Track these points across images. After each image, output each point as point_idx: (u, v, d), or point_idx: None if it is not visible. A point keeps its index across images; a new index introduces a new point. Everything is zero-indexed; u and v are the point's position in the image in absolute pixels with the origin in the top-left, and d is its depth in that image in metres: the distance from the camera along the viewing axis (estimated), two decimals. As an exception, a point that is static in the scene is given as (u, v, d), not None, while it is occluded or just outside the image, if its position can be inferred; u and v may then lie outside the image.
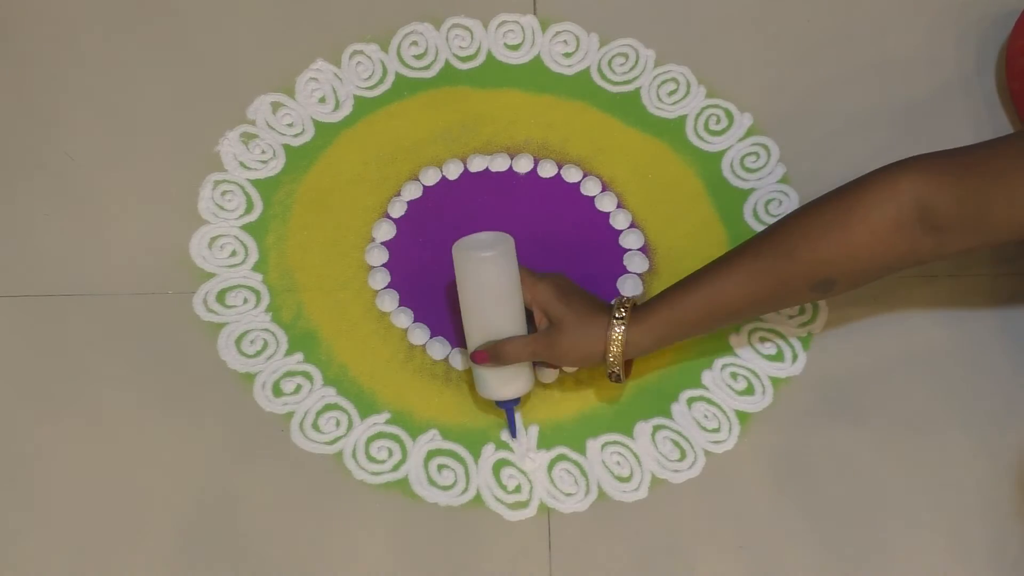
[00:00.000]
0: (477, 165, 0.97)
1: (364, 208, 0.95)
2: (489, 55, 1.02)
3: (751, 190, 0.96)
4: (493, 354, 0.80)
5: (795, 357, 0.90)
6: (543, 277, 0.82)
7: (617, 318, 0.79)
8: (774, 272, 0.78)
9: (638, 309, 0.81)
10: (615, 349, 0.79)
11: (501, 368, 0.81)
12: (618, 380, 0.81)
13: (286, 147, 0.98)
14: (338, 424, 0.87)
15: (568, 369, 0.86)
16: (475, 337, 0.82)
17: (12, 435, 0.86)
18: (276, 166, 0.97)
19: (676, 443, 0.86)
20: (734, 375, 0.89)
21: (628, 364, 0.83)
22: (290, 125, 0.98)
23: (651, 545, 0.83)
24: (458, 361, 0.89)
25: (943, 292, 0.92)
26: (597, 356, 0.80)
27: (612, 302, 0.81)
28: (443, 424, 0.87)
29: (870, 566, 0.82)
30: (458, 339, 0.90)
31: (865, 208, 0.75)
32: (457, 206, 0.95)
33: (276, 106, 0.99)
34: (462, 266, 0.80)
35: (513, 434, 0.86)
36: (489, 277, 0.80)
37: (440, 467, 0.85)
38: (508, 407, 0.84)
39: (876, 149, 0.97)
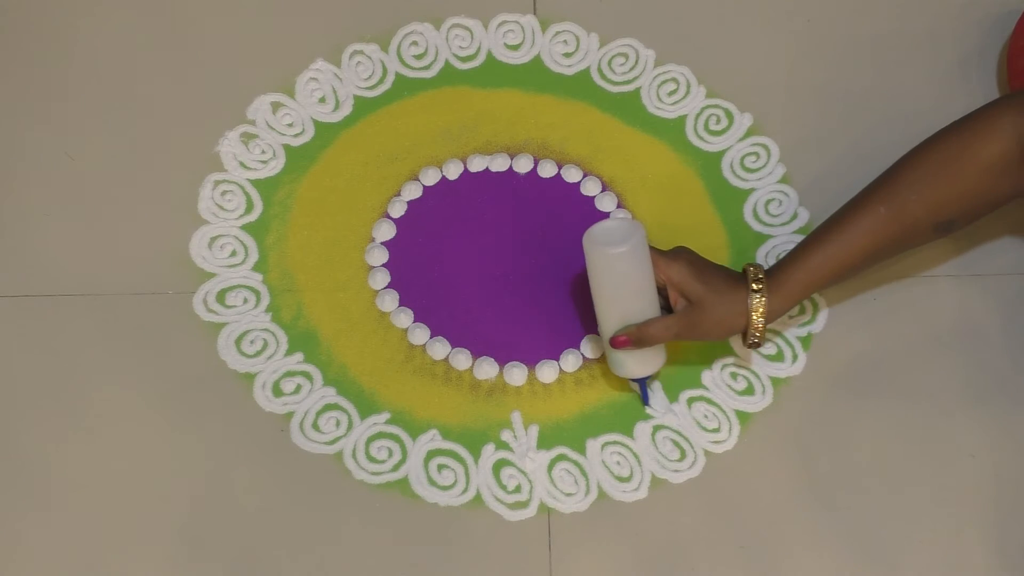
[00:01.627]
0: (477, 165, 0.97)
1: (364, 208, 0.95)
2: (489, 55, 1.02)
3: (751, 190, 0.96)
4: (636, 338, 0.81)
5: (795, 357, 0.90)
6: (675, 257, 0.82)
7: (755, 290, 0.81)
8: (897, 220, 0.80)
9: (770, 276, 0.82)
10: (758, 321, 0.81)
11: (638, 352, 0.82)
12: (758, 346, 0.83)
13: (286, 147, 0.98)
14: (338, 424, 0.87)
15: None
16: (611, 324, 0.82)
17: (12, 435, 0.86)
18: (276, 166, 0.97)
19: (676, 443, 0.86)
20: (734, 375, 0.89)
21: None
22: (290, 125, 0.98)
23: (651, 545, 0.83)
24: (459, 361, 0.89)
25: (944, 292, 0.92)
26: (739, 329, 0.82)
27: (743, 271, 0.82)
28: (443, 424, 0.87)
29: (870, 565, 0.82)
30: (458, 339, 0.90)
31: (973, 149, 0.78)
32: (457, 206, 0.95)
33: (276, 106, 0.99)
34: (596, 262, 0.80)
35: (646, 402, 0.87)
36: (624, 270, 0.80)
37: (440, 467, 0.85)
38: (642, 382, 0.85)
39: (877, 149, 0.97)
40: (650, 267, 0.80)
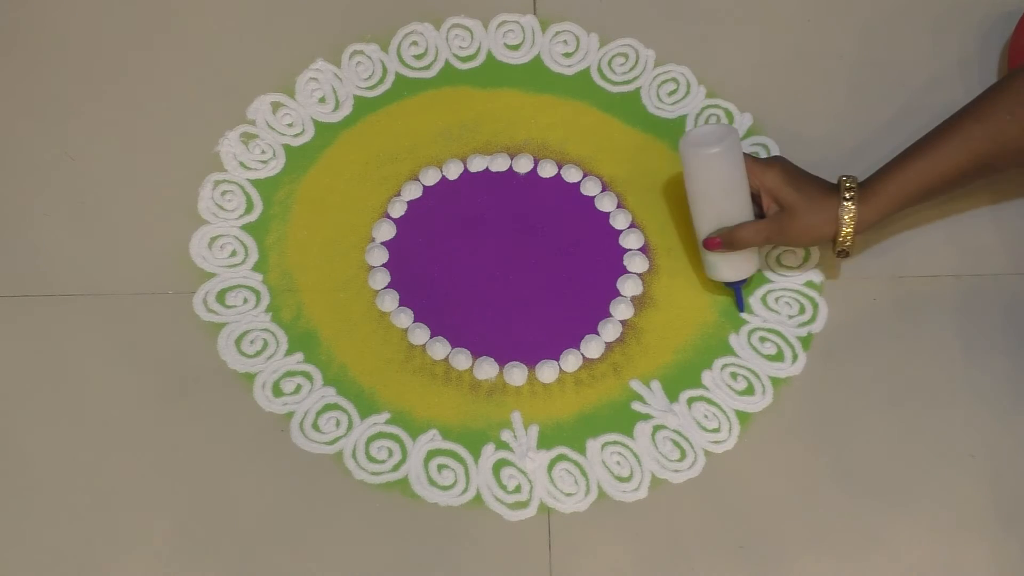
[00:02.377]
0: (477, 165, 0.97)
1: (364, 208, 0.95)
2: (489, 55, 1.02)
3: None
4: (727, 240, 0.84)
5: (795, 357, 0.90)
6: (769, 164, 0.85)
7: (846, 199, 0.82)
8: (992, 138, 0.81)
9: (863, 187, 0.83)
10: (847, 230, 0.83)
11: (732, 255, 0.86)
12: (847, 256, 0.85)
13: (286, 147, 0.98)
14: (338, 424, 0.87)
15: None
16: (705, 226, 0.86)
17: (12, 435, 0.86)
18: (276, 166, 0.97)
19: (676, 443, 0.86)
20: (734, 375, 0.89)
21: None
22: (290, 125, 0.98)
23: (651, 545, 0.83)
24: (459, 361, 0.89)
25: (945, 291, 0.92)
26: (828, 236, 0.84)
27: (837, 182, 0.84)
28: (443, 424, 0.87)
29: (870, 565, 0.82)
30: (458, 339, 0.90)
31: None
32: (457, 206, 0.95)
33: (276, 106, 0.99)
34: (691, 162, 0.84)
35: (741, 308, 0.90)
36: (718, 171, 0.83)
37: (440, 467, 0.85)
38: (736, 287, 0.89)
39: (877, 149, 0.97)
40: (743, 170, 0.84)
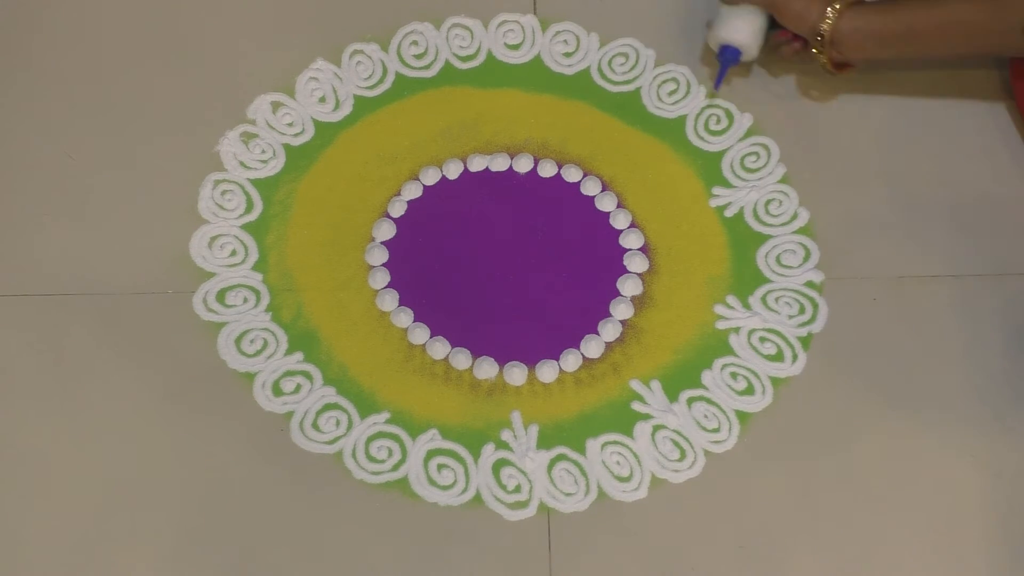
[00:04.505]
0: (477, 165, 0.97)
1: (364, 208, 0.95)
2: (489, 55, 1.02)
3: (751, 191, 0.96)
4: None
5: (795, 357, 0.90)
6: None
7: (834, 5, 0.89)
8: (991, 1, 0.83)
9: (859, 5, 0.89)
10: (828, 21, 0.89)
11: (734, 15, 0.93)
12: (820, 54, 0.91)
13: (286, 147, 0.98)
14: (338, 424, 0.87)
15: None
16: None
17: (12, 434, 0.86)
18: (276, 166, 0.97)
19: (676, 443, 0.86)
20: (734, 375, 0.89)
21: (844, 66, 0.93)
22: (290, 125, 0.98)
23: (651, 545, 0.83)
24: (459, 361, 0.89)
25: (944, 291, 0.92)
26: (808, 21, 0.90)
27: None
28: (443, 424, 0.87)
29: (870, 565, 0.82)
30: (458, 338, 0.90)
31: None
32: (457, 206, 0.95)
33: (276, 106, 0.99)
34: None
35: (716, 86, 0.97)
36: None
37: (440, 467, 0.85)
38: (725, 59, 0.96)
39: (877, 149, 0.97)
40: None
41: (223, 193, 0.95)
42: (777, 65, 1.01)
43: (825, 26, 0.89)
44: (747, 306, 0.91)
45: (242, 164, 0.97)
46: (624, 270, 0.93)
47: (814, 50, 0.91)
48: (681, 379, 0.89)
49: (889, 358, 0.89)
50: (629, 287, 0.92)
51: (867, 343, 0.90)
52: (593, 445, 0.86)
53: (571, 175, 0.97)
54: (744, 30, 0.94)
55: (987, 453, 0.86)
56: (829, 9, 0.89)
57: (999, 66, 1.00)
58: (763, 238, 0.94)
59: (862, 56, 0.92)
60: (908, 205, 0.95)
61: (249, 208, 0.95)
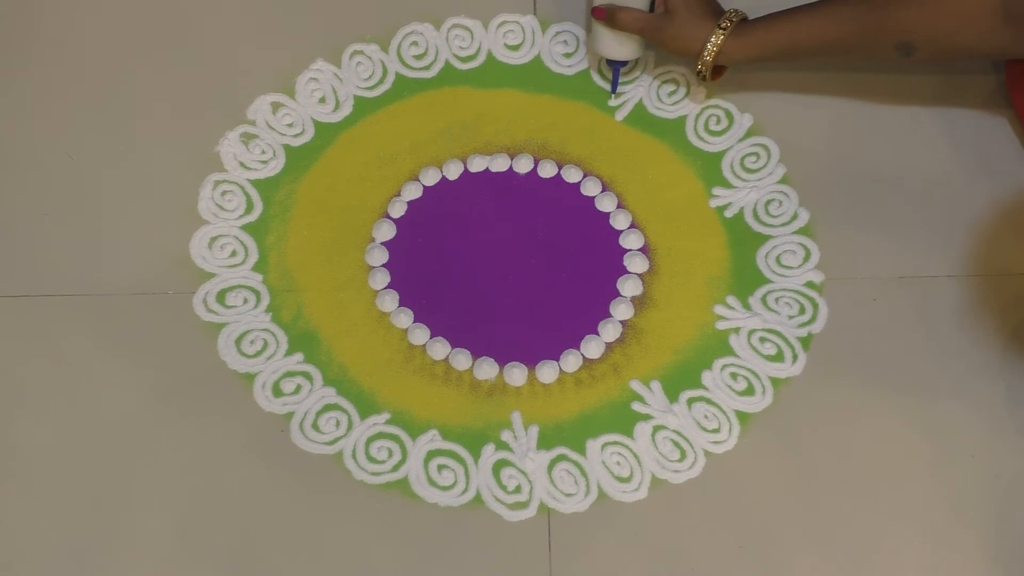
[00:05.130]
0: (477, 165, 0.97)
1: (364, 208, 0.95)
2: (489, 55, 1.02)
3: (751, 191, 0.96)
4: (609, 15, 0.92)
5: (795, 357, 0.90)
6: None
7: (721, 28, 0.89)
8: (861, 20, 0.85)
9: (743, 24, 0.90)
10: (708, 56, 0.90)
11: (616, 32, 0.93)
12: (704, 79, 0.92)
13: (286, 147, 0.98)
14: (338, 424, 0.87)
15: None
16: None
17: (11, 435, 0.86)
18: (276, 166, 0.97)
19: (676, 443, 0.86)
20: (734, 375, 0.89)
21: (719, 70, 0.94)
22: (290, 125, 0.98)
23: (651, 545, 0.83)
24: (459, 361, 0.89)
25: (944, 291, 0.92)
26: (693, 52, 0.91)
27: (726, 11, 0.90)
28: (443, 424, 0.87)
29: (870, 565, 0.82)
30: (458, 339, 0.90)
31: None
32: (457, 206, 0.96)
33: (276, 106, 0.99)
34: None
35: (613, 90, 0.99)
36: None
37: (440, 467, 0.85)
38: (616, 67, 0.97)
39: (877, 149, 0.97)
40: None
41: (223, 194, 0.95)
42: (777, 65, 1.01)
43: (705, 62, 0.91)
44: (747, 306, 0.91)
45: (242, 165, 0.97)
46: (624, 270, 0.93)
47: (699, 70, 0.92)
48: (681, 379, 0.89)
49: (889, 358, 0.89)
50: (629, 287, 0.92)
51: (867, 343, 0.90)
52: (593, 446, 0.86)
53: (571, 175, 0.97)
54: (627, 49, 0.94)
55: (987, 454, 0.86)
56: (714, 37, 0.89)
57: (997, 70, 1.00)
58: (763, 238, 0.94)
59: (741, 65, 0.94)
60: (908, 205, 0.95)
61: (249, 209, 0.95)
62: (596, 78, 1.01)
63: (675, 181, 0.97)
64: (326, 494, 0.84)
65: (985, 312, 0.91)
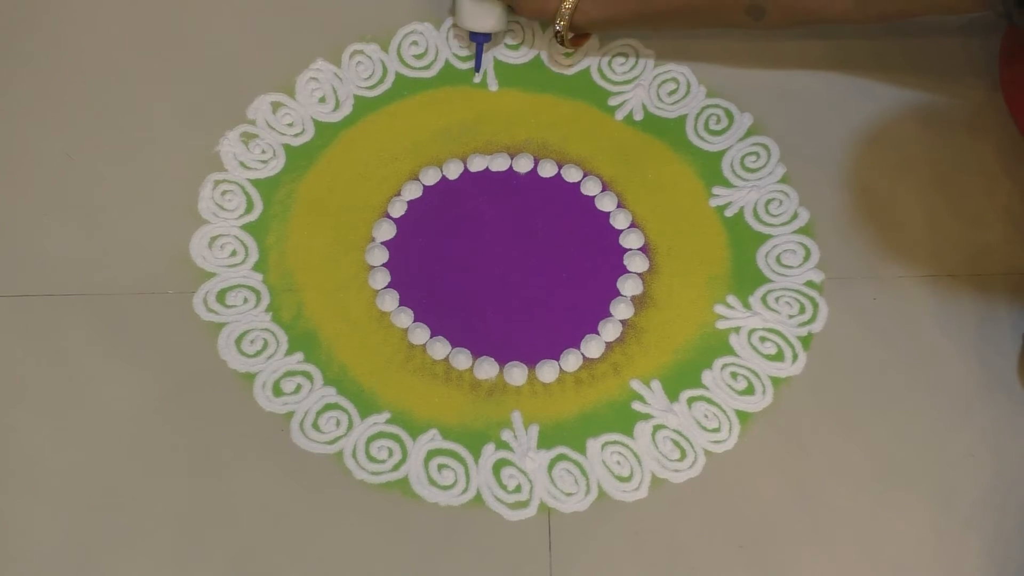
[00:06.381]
0: (477, 165, 0.97)
1: (364, 208, 0.95)
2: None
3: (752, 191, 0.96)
4: None
5: (795, 357, 0.90)
6: None
7: None
8: None
9: None
10: (565, 11, 0.91)
11: (477, 2, 0.93)
12: (561, 43, 0.93)
13: (286, 147, 0.98)
14: (338, 424, 0.87)
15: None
16: None
17: (11, 435, 0.86)
18: (276, 166, 0.97)
19: (676, 443, 0.86)
20: (734, 374, 0.89)
21: (582, 37, 0.96)
22: (290, 125, 0.98)
23: (651, 545, 0.83)
24: (459, 361, 0.89)
25: (944, 291, 0.92)
26: (550, 12, 0.92)
27: None
28: (443, 424, 0.87)
29: (870, 565, 0.82)
30: (458, 339, 0.90)
31: None
32: (457, 206, 0.96)
33: (276, 106, 0.99)
34: None
35: (477, 68, 0.99)
36: None
37: (440, 467, 0.85)
38: (479, 40, 0.97)
39: (877, 149, 0.97)
40: None
41: (223, 193, 0.95)
42: (777, 64, 1.01)
43: (561, 23, 0.92)
44: (747, 306, 0.91)
45: (242, 164, 0.97)
46: (624, 270, 0.93)
47: (556, 31, 0.93)
48: (681, 379, 0.89)
49: (889, 358, 0.89)
50: (629, 287, 0.92)
51: (867, 343, 0.90)
52: (593, 445, 0.86)
53: (571, 175, 0.97)
54: (489, 21, 0.95)
55: (987, 454, 0.86)
56: (564, 9, 0.91)
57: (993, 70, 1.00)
58: (763, 238, 0.94)
59: (597, 31, 0.96)
60: (909, 205, 0.95)
61: (249, 208, 0.95)
62: (596, 78, 1.01)
63: (675, 180, 0.97)
64: (326, 494, 0.84)
65: (986, 312, 0.91)
